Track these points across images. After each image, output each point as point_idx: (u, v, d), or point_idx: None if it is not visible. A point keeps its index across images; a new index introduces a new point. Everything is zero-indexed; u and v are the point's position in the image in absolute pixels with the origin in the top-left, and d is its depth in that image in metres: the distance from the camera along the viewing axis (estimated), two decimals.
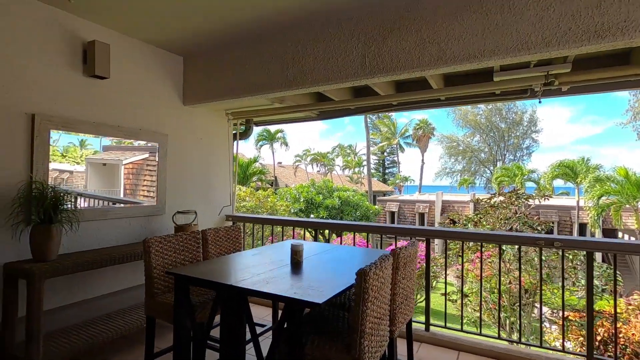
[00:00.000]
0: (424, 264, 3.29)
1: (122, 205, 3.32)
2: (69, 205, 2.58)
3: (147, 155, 3.51)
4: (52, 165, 2.71)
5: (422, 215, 21.75)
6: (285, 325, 1.62)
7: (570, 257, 7.39)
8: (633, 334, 6.22)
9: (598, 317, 7.38)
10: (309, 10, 2.77)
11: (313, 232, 4.45)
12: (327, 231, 14.49)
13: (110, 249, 2.89)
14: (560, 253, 2.75)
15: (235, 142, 4.61)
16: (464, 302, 8.40)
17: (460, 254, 3.39)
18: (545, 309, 8.73)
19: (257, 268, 2.05)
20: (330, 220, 3.88)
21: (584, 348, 6.60)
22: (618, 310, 7.51)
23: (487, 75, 3.19)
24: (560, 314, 8.17)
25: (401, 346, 2.53)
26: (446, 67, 2.54)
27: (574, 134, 69.36)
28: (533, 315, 8.87)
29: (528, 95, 3.18)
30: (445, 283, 3.78)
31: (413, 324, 3.28)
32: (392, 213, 22.87)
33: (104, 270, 3.01)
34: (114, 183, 3.62)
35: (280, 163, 33.87)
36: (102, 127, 3.05)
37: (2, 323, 2.39)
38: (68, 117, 2.79)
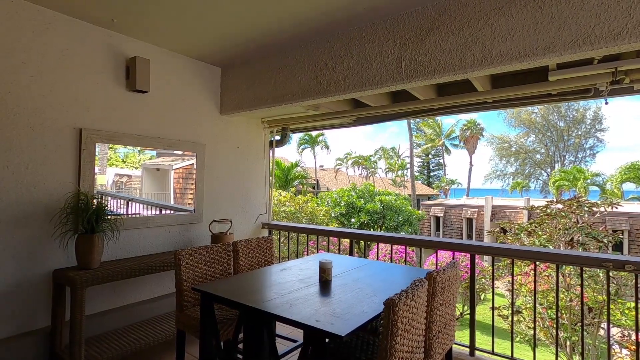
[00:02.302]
0: (470, 277, 3.02)
1: (169, 212, 3.45)
2: (110, 216, 2.70)
3: (194, 160, 3.62)
4: (113, 170, 2.89)
5: (469, 221, 20.58)
6: (309, 353, 1.52)
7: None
8: None
9: None
10: (342, 15, 2.66)
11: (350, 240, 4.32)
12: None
13: (149, 256, 2.98)
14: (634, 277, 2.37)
15: (271, 150, 4.62)
16: (516, 318, 7.74)
17: (511, 271, 3.08)
18: (615, 329, 7.78)
19: (284, 286, 1.97)
20: (363, 231, 3.72)
21: None
22: None
23: (539, 74, 2.87)
24: (634, 337, 7.21)
25: None
26: (492, 67, 2.30)
27: None
28: (599, 335, 7.94)
29: (591, 94, 2.80)
30: (493, 303, 3.45)
31: (455, 347, 3.04)
32: (437, 218, 21.90)
33: (142, 278, 3.12)
34: (165, 187, 3.79)
35: (322, 166, 34.02)
36: (143, 139, 3.17)
37: (52, 325, 2.55)
38: (112, 130, 2.94)
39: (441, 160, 41.46)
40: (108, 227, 2.58)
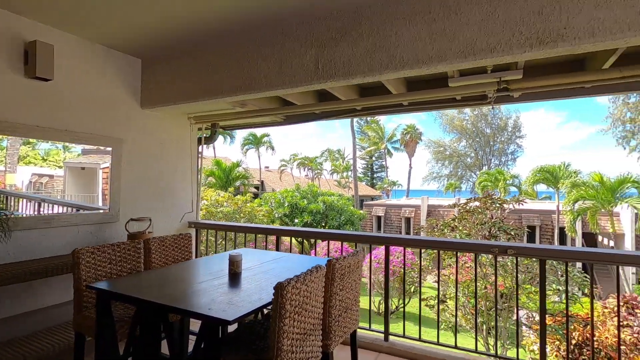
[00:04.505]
0: (403, 270, 3.24)
1: (79, 211, 3.20)
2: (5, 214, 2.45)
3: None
4: (31, 170, 2.61)
5: (408, 219, 21.79)
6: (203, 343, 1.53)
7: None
8: (606, 337, 6.27)
9: (572, 321, 7.43)
10: (263, 13, 2.71)
11: (299, 239, 4.36)
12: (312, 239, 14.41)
13: (49, 259, 2.75)
14: (515, 260, 2.71)
15: (200, 147, 4.50)
16: (442, 307, 8.38)
17: (437, 260, 3.35)
18: (522, 312, 8.78)
19: (189, 280, 1.96)
20: (290, 228, 3.81)
21: (559, 352, 6.61)
22: (594, 315, 7.56)
23: (446, 80, 3.17)
24: (536, 318, 8.21)
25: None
26: (396, 72, 2.50)
27: (560, 140, 70.85)
28: (514, 319, 8.91)
29: (487, 101, 3.17)
30: (420, 295, 3.72)
31: (372, 333, 3.24)
32: (379, 217, 22.86)
33: (42, 282, 2.85)
34: (92, 188, 3.51)
35: (267, 167, 33.70)
36: (49, 131, 2.92)
37: None
38: (9, 120, 2.66)
39: (384, 163, 43.37)
40: None
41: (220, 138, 29.73)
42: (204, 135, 4.51)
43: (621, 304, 7.46)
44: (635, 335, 6.71)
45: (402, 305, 11.61)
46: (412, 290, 9.50)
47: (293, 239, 4.06)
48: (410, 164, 38.21)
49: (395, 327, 3.21)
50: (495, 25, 2.20)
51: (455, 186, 36.53)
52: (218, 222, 4.50)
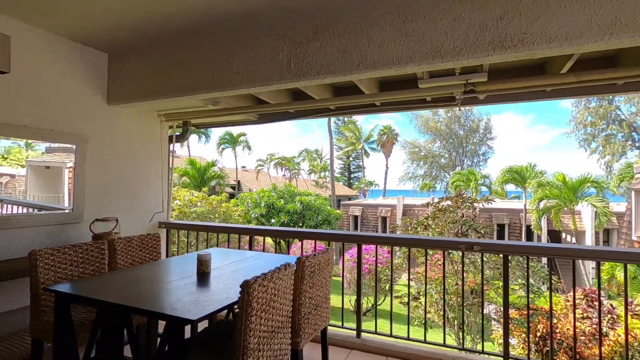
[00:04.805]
0: (375, 268, 3.27)
1: (40, 212, 3.04)
2: None
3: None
4: None
5: (384, 219, 22.13)
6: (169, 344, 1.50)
7: (509, 257, 7.76)
8: (568, 329, 6.60)
9: (535, 315, 7.79)
10: (234, 10, 2.67)
11: (276, 239, 4.32)
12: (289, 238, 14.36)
13: (3, 262, 2.60)
14: (481, 256, 2.81)
15: (171, 145, 4.39)
16: (415, 304, 8.57)
17: (408, 258, 3.42)
18: (492, 307, 9.11)
19: (156, 280, 1.91)
20: (263, 227, 3.78)
21: (525, 345, 6.87)
22: (557, 308, 7.95)
23: (417, 82, 3.25)
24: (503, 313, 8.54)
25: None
26: (368, 72, 2.54)
27: (527, 142, 74.11)
28: (486, 313, 9.24)
29: (455, 102, 3.27)
30: (392, 291, 3.79)
31: (344, 331, 3.27)
32: (355, 217, 23.09)
33: None
34: (57, 188, 3.34)
35: (244, 167, 33.28)
36: (4, 127, 2.76)
37: None
38: None
39: (361, 163, 43.84)
40: None
41: (194, 137, 29.10)
42: (176, 133, 4.40)
43: (581, 297, 7.90)
44: (594, 326, 7.11)
45: (377, 303, 11.79)
46: (386, 288, 9.66)
47: (269, 239, 4.03)
48: (386, 164, 38.82)
49: (371, 324, 3.26)
50: (460, 29, 2.27)
51: (430, 186, 37.44)
52: (189, 222, 4.41)
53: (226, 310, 2.63)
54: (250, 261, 2.45)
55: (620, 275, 10.54)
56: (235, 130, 29.60)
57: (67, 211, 3.21)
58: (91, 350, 1.83)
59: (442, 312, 8.40)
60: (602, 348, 6.38)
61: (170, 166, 4.41)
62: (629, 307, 9.66)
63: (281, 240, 16.36)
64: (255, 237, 4.23)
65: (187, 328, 2.50)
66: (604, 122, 28.94)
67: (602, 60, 2.80)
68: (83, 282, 1.90)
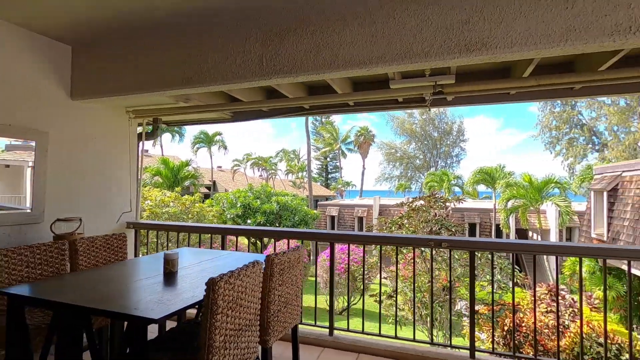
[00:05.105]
0: (347, 267, 3.28)
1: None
2: None
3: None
4: None
5: (360, 219, 22.37)
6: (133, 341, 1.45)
7: (479, 255, 8.05)
8: (533, 323, 6.90)
9: (503, 309, 8.11)
10: (204, 6, 2.63)
11: (252, 240, 4.25)
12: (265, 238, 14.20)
13: None
14: (449, 252, 2.89)
15: (140, 143, 4.26)
16: (390, 302, 8.72)
17: (379, 256, 3.46)
18: (463, 303, 9.40)
19: (121, 281, 1.84)
20: (235, 226, 3.74)
21: (494, 338, 7.14)
22: (524, 303, 8.28)
23: (389, 83, 3.31)
24: (475, 309, 8.84)
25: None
26: (340, 71, 2.56)
27: (497, 145, 77.07)
28: (457, 309, 9.52)
29: (425, 104, 3.35)
30: (363, 288, 3.83)
31: (317, 329, 3.28)
32: (332, 217, 23.22)
33: None
34: (19, 188, 3.16)
35: (220, 167, 32.71)
36: None
37: None
38: None
39: (338, 164, 44.12)
40: None
41: (167, 136, 28.33)
42: (145, 130, 4.27)
43: (545, 292, 8.29)
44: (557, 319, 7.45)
45: (354, 302, 11.89)
46: (360, 287, 9.76)
47: (245, 240, 3.98)
48: (363, 165, 39.26)
49: (346, 323, 3.28)
50: (428, 31, 2.34)
51: (405, 187, 38.17)
52: (159, 222, 4.30)
53: (197, 310, 2.59)
54: (221, 260, 2.42)
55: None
56: (210, 129, 29.07)
57: (27, 211, 3.05)
58: (46, 355, 1.74)
59: (415, 310, 8.59)
60: (564, 340, 6.74)
61: (140, 164, 4.28)
62: (589, 300, 10.20)
63: (257, 241, 16.22)
64: (230, 238, 4.16)
65: (155, 328, 2.44)
66: (567, 126, 30.53)
67: (560, 65, 2.96)
68: (39, 284, 1.81)
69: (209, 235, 3.94)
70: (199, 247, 4.01)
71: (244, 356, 1.62)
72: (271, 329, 1.86)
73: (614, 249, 2.49)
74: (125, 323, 1.98)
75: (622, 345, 4.62)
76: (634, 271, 8.63)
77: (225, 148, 29.43)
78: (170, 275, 1.96)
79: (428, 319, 8.04)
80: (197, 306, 1.72)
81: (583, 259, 11.43)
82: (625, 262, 2.44)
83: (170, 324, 2.51)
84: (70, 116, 3.40)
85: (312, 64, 2.62)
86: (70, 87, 3.39)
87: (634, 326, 9.76)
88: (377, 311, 10.03)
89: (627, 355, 5.80)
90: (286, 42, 2.68)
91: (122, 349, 1.70)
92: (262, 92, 3.77)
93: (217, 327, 1.41)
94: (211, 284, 1.39)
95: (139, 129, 4.26)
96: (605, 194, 10.70)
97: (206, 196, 22.23)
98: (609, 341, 6.11)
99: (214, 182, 27.46)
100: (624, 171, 10.36)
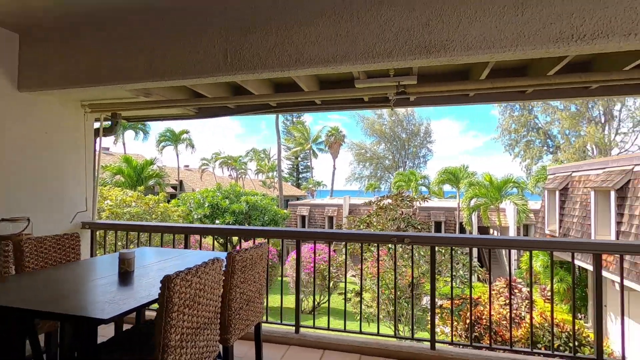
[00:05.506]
0: (313, 265, 3.29)
1: None
2: None
3: None
4: None
5: (330, 218, 22.54)
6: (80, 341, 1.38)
7: (443, 251, 8.37)
8: (492, 315, 7.29)
9: (465, 303, 8.46)
10: None
11: (221, 240, 4.14)
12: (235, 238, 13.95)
13: None
14: (411, 248, 2.98)
15: (98, 139, 4.05)
16: (358, 300, 8.85)
17: (345, 252, 3.51)
18: (427, 298, 9.69)
19: (72, 282, 1.74)
20: (200, 225, 3.65)
21: (456, 332, 7.42)
22: (485, 297, 8.67)
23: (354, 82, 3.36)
24: (440, 303, 9.17)
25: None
26: (304, 69, 2.57)
27: (461, 146, 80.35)
28: (423, 305, 9.82)
29: (389, 104, 3.44)
30: (329, 284, 3.85)
31: (283, 327, 3.27)
32: (303, 217, 23.23)
33: None
34: None
35: (187, 166, 31.75)
36: None
37: None
38: None
39: (309, 164, 44.17)
40: None
41: (130, 133, 27.09)
42: (104, 126, 4.06)
43: (504, 285, 8.74)
44: (514, 311, 7.92)
45: (324, 301, 11.96)
46: (331, 285, 9.84)
47: (215, 241, 3.88)
48: (334, 165, 39.57)
49: (317, 321, 3.29)
50: (391, 32, 2.40)
51: (375, 186, 38.87)
52: (118, 222, 4.11)
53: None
54: (182, 259, 2.35)
55: (536, 265, 11.87)
56: (177, 127, 28.14)
57: None
58: None
59: (382, 306, 8.78)
60: (521, 330, 7.14)
61: (97, 162, 4.07)
62: (543, 292, 10.81)
63: (227, 243, 15.92)
64: (196, 238, 4.03)
65: (111, 331, 2.33)
66: (525, 129, 32.39)
67: (516, 70, 3.14)
68: None
69: (172, 236, 3.81)
70: (170, 247, 3.88)
71: (203, 355, 1.59)
72: (232, 327, 1.83)
73: (559, 241, 2.68)
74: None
75: (572, 333, 4.94)
76: (579, 263, 9.30)
77: (193, 147, 28.56)
78: (126, 275, 1.88)
79: (394, 314, 8.24)
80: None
81: (539, 254, 12.06)
82: (570, 254, 2.63)
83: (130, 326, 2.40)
84: (18, 109, 3.18)
85: (276, 60, 2.60)
86: (17, 77, 3.16)
87: (583, 315, 10.51)
88: (349, 309, 10.15)
89: (576, 342, 6.20)
90: (250, 38, 2.65)
91: (72, 353, 1.61)
92: (228, 88, 3.70)
93: (173, 326, 1.37)
94: (166, 282, 1.35)
95: (96, 125, 4.05)
96: (557, 193, 11.45)
97: (172, 196, 21.51)
98: (559, 329, 6.54)
99: (181, 182, 26.62)
100: (573, 171, 11.15)
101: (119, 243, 4.52)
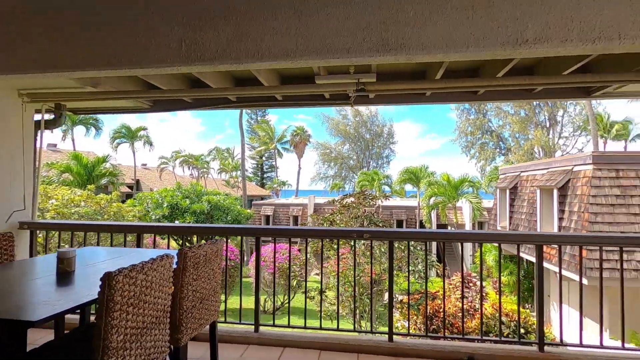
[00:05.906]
0: (274, 262, 3.22)
1: None
2: None
3: None
4: None
5: (295, 217, 22.49)
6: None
7: (403, 248, 8.63)
8: (449, 308, 7.61)
9: (423, 297, 8.78)
10: None
11: (178, 240, 3.94)
12: (195, 237, 13.46)
13: None
14: (370, 243, 3.02)
15: (39, 132, 3.73)
16: (325, 296, 8.89)
17: (305, 249, 3.48)
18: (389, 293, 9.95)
19: (1, 283, 1.58)
20: (154, 224, 3.48)
21: (415, 325, 7.67)
22: (443, 290, 9.03)
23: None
24: (400, 299, 9.44)
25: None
26: (263, 62, 2.51)
27: (421, 147, 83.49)
28: (385, 301, 10.06)
29: (349, 101, 3.47)
30: (289, 281, 3.82)
31: (242, 326, 3.20)
32: (267, 217, 22.99)
33: None
34: None
35: (145, 165, 30.26)
36: None
37: None
38: None
39: (274, 163, 43.78)
40: None
41: (81, 129, 25.33)
42: (45, 118, 3.74)
43: (460, 280, 9.16)
44: (469, 303, 8.34)
45: (288, 301, 11.88)
46: (294, 284, 9.80)
47: (173, 242, 3.71)
48: (299, 165, 39.52)
49: (279, 320, 3.24)
50: (350, 28, 2.42)
51: (339, 186, 39.33)
52: (60, 221, 3.82)
53: None
54: (127, 258, 2.22)
55: (489, 259, 12.59)
56: (134, 123, 26.70)
57: None
58: None
59: (346, 303, 8.89)
60: (475, 321, 7.53)
61: (38, 157, 3.74)
62: (495, 285, 11.44)
63: (185, 244, 15.36)
64: (149, 239, 3.83)
65: (51, 334, 2.15)
66: (480, 132, 34.28)
67: (470, 71, 3.29)
68: None
69: (124, 236, 3.59)
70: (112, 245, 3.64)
71: (151, 356, 1.50)
72: (184, 327, 1.75)
73: (505, 234, 2.84)
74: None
75: (521, 322, 5.29)
76: (525, 257, 9.99)
77: (151, 144, 27.21)
78: (65, 275, 1.74)
79: (357, 310, 8.38)
80: None
81: (490, 249, 12.72)
82: (516, 246, 2.81)
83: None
84: None
85: (234, 52, 2.53)
86: None
87: (530, 305, 11.28)
88: (313, 308, 10.16)
89: (523, 330, 6.63)
90: (208, 28, 2.56)
91: None
92: (185, 80, 3.56)
93: (115, 326, 1.28)
94: (107, 279, 1.26)
95: (37, 116, 3.72)
96: (507, 191, 12.21)
97: (128, 196, 20.43)
98: (509, 319, 6.97)
99: (138, 181, 25.31)
100: (522, 172, 11.95)
101: (66, 245, 4.20)
